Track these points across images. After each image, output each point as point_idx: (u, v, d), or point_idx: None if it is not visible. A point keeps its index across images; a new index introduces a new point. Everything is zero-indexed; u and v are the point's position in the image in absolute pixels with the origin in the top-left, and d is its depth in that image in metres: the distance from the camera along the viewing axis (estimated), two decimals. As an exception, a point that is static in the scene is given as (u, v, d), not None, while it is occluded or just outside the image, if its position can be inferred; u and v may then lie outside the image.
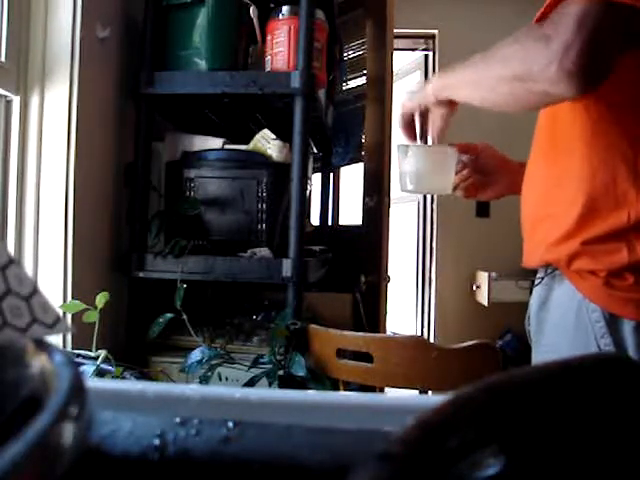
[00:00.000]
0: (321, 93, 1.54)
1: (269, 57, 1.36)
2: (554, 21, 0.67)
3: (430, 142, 0.94)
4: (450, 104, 0.88)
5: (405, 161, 0.94)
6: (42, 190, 1.18)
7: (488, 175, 1.03)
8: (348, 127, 2.28)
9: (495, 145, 1.06)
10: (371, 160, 2.05)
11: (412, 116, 0.93)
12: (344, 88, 2.37)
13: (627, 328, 0.73)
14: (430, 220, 3.27)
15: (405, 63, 3.40)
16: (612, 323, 0.74)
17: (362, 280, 1.96)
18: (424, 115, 0.91)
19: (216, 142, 1.43)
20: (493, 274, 2.84)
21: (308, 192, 1.70)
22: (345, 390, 1.13)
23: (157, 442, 0.28)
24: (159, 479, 0.27)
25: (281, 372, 1.16)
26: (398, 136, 1.00)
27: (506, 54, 0.74)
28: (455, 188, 1.01)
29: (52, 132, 1.18)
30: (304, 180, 1.30)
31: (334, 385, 1.14)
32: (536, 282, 0.88)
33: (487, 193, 1.05)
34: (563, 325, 0.80)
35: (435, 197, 3.18)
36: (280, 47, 1.34)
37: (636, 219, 0.73)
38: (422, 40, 3.29)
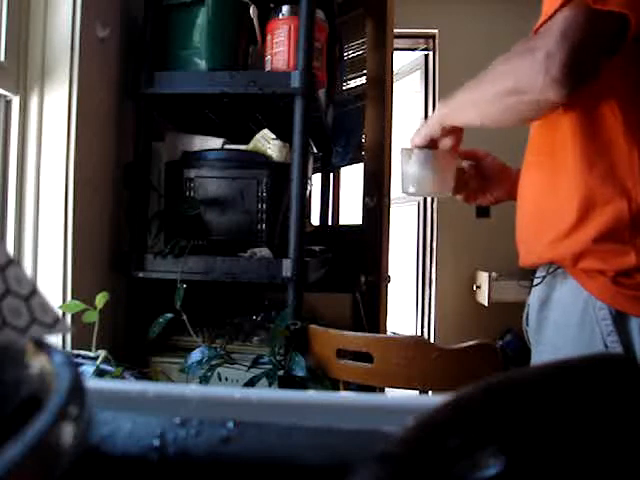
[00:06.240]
0: (321, 93, 1.54)
1: (269, 57, 1.36)
2: (541, 34, 0.71)
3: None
4: (455, 132, 0.91)
5: (407, 165, 0.97)
6: (42, 190, 1.18)
7: (488, 181, 1.05)
8: (348, 127, 2.28)
9: (496, 152, 1.08)
10: (371, 160, 2.05)
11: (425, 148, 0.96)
12: (344, 88, 2.36)
13: (634, 326, 0.73)
14: (430, 220, 3.27)
15: (405, 63, 3.40)
16: (619, 321, 0.74)
17: (362, 280, 1.96)
18: (435, 146, 0.95)
19: (216, 142, 1.43)
20: (493, 274, 2.84)
21: (308, 192, 1.70)
22: (345, 390, 1.13)
23: (157, 442, 0.28)
24: (159, 479, 0.27)
25: (281, 372, 1.16)
26: (401, 139, 1.02)
27: (497, 72, 0.79)
28: (456, 193, 1.03)
29: (52, 132, 1.18)
30: (304, 180, 1.30)
31: (334, 385, 1.14)
32: (536, 281, 0.87)
33: (486, 198, 1.07)
34: (566, 324, 0.80)
35: (435, 197, 3.18)
36: (280, 47, 1.34)
37: (637, 210, 0.73)
38: (422, 40, 3.29)
